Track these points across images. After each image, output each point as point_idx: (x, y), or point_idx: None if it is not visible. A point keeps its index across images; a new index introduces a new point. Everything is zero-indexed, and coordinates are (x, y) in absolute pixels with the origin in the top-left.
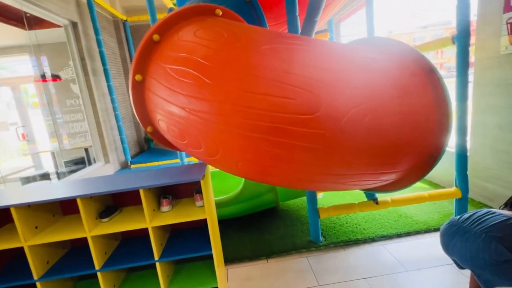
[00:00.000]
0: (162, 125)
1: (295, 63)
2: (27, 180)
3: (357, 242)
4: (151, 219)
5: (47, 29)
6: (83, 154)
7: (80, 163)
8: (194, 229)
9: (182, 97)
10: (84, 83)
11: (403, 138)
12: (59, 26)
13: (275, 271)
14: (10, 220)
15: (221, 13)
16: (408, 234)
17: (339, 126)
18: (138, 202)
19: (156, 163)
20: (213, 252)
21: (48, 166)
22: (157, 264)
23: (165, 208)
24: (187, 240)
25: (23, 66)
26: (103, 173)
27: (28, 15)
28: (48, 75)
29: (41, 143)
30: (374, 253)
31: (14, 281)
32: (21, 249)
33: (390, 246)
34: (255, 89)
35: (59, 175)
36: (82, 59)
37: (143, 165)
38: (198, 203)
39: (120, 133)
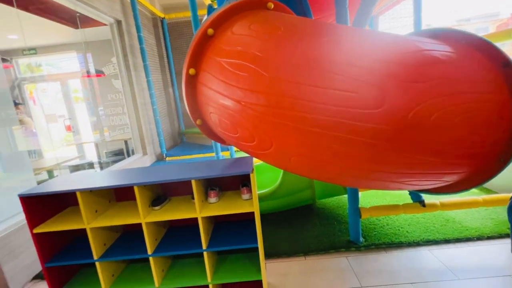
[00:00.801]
0: (214, 118)
1: (357, 55)
2: (76, 168)
3: (400, 245)
4: (200, 210)
5: (93, 27)
6: (122, 146)
7: (119, 154)
8: (237, 222)
9: (238, 90)
10: (126, 78)
11: (472, 137)
12: (104, 25)
13: (313, 269)
14: (71, 203)
15: (272, 6)
16: (457, 240)
17: (404, 123)
18: (185, 193)
19: (189, 156)
20: (259, 245)
21: (91, 156)
22: (205, 254)
23: (212, 199)
24: (231, 232)
25: (69, 62)
26: (141, 165)
27: (78, 14)
28: (93, 71)
29: (85, 135)
30: (419, 258)
31: (76, 259)
32: (79, 231)
33: (437, 252)
34: (315, 82)
35: (101, 165)
36: (124, 55)
37: (178, 158)
38: (245, 196)
39: (157, 127)
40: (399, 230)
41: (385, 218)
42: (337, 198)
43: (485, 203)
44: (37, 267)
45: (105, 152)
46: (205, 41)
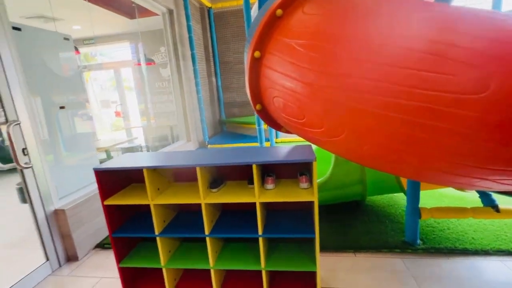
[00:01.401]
0: (278, 102)
1: (453, 32)
2: (127, 150)
3: (465, 252)
4: (259, 195)
5: (145, 17)
6: (166, 132)
7: (163, 140)
8: (291, 211)
9: (309, 72)
10: (175, 67)
11: None
12: (156, 15)
13: (364, 267)
14: (134, 181)
15: None
16: None
17: None
18: (239, 178)
19: (231, 145)
20: (316, 236)
21: (140, 140)
22: (260, 239)
23: (269, 185)
24: (285, 221)
25: (121, 52)
26: (186, 149)
27: (133, 5)
28: (144, 60)
29: (133, 121)
30: (489, 268)
31: (139, 232)
32: (140, 207)
33: (511, 263)
34: (403, 63)
35: (149, 149)
36: (174, 44)
37: (219, 146)
38: (303, 185)
39: (201, 114)
40: (463, 235)
41: (445, 221)
42: (388, 196)
43: None
44: (98, 238)
45: (152, 137)
46: (273, 22)
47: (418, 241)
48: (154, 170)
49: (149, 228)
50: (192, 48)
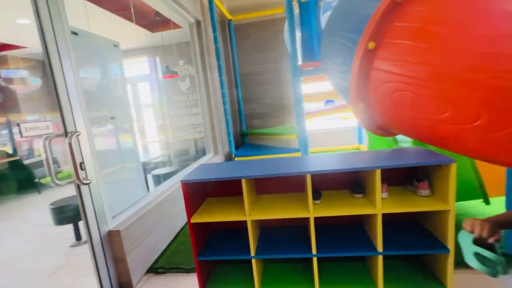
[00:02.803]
0: (402, 97)
1: None
2: (159, 165)
3: None
4: (376, 205)
5: (170, 30)
6: (189, 146)
7: (185, 154)
8: (401, 222)
9: (465, 58)
10: (202, 78)
11: None
12: (179, 27)
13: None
14: (209, 195)
15: None
16: None
17: None
18: (333, 187)
19: (259, 157)
20: (451, 251)
21: (161, 155)
22: (379, 257)
23: (384, 194)
24: (400, 233)
25: (139, 65)
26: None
27: (157, 17)
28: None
29: (151, 136)
30: None
31: (229, 254)
32: (214, 224)
33: None
34: None
35: (176, 163)
36: (202, 55)
37: (246, 158)
38: (424, 192)
39: (227, 126)
40: None
41: None
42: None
43: None
44: (149, 260)
45: (174, 151)
46: (393, 9)
47: None
48: (248, 181)
49: (239, 248)
50: (218, 59)
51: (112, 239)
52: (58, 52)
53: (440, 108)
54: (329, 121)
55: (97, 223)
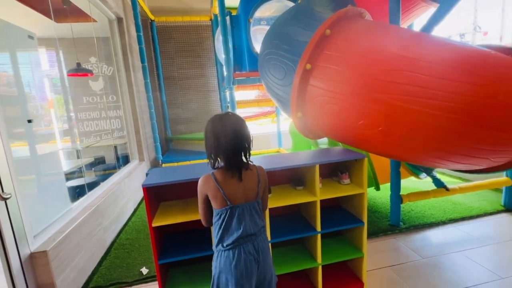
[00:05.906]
0: (331, 109)
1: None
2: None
3: (431, 225)
4: (318, 194)
5: (82, 23)
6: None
7: (100, 162)
8: (326, 208)
9: (368, 80)
10: (125, 79)
11: None
12: (93, 21)
13: (375, 250)
14: (162, 199)
15: (366, 16)
16: (471, 217)
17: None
18: (276, 183)
19: (186, 162)
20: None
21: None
22: (318, 236)
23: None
24: (330, 216)
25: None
26: (140, 170)
27: (65, 6)
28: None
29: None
30: (448, 233)
31: (190, 253)
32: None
33: (461, 227)
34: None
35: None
36: (124, 54)
37: (174, 164)
38: (345, 181)
39: (153, 131)
40: (423, 214)
41: (407, 204)
42: None
43: (489, 185)
44: (81, 281)
45: (87, 160)
46: (323, 40)
47: (400, 223)
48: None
49: (196, 247)
50: (143, 60)
51: (36, 262)
52: None
53: (357, 118)
54: (253, 125)
55: (16, 245)
